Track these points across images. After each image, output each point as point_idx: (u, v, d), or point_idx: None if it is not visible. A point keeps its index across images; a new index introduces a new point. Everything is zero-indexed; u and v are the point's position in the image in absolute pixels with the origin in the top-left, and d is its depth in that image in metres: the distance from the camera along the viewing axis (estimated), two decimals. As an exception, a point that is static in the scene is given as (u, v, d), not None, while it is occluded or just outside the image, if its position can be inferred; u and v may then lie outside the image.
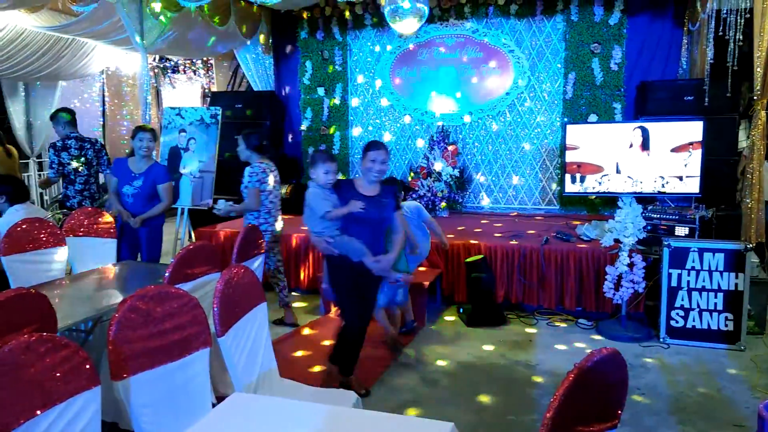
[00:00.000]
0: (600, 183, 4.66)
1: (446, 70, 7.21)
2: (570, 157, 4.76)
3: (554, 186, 6.90)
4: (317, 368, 3.95)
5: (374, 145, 3.39)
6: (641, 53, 6.49)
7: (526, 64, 6.90)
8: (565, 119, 6.67)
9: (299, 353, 4.27)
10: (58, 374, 1.67)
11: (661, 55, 6.48)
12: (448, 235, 5.32)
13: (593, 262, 4.82)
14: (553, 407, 1.50)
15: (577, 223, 5.84)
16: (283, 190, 7.32)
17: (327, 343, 4.44)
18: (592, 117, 6.56)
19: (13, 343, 1.60)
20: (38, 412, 1.61)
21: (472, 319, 4.83)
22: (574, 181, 4.73)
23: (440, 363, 4.08)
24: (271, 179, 4.46)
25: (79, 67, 7.98)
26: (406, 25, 5.24)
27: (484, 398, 3.55)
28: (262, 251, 3.94)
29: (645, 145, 4.55)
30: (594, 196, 6.34)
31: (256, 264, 3.80)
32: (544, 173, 6.95)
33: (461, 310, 5.02)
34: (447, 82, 7.23)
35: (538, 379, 3.81)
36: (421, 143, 7.40)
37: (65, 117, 5.17)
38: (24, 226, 3.69)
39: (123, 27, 5.87)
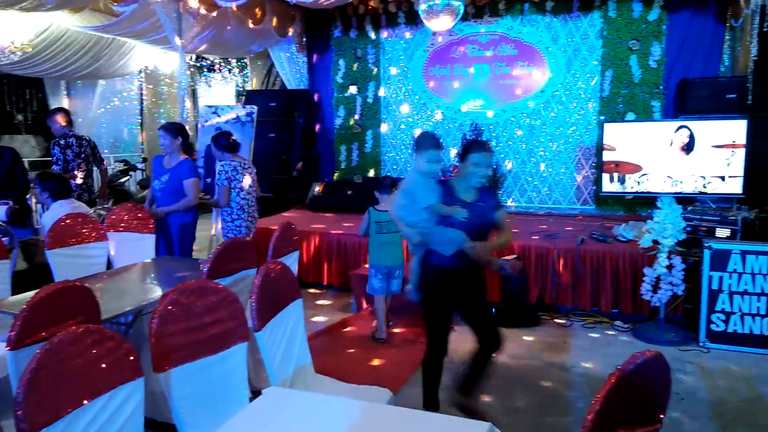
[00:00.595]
0: (639, 183, 4.57)
1: (480, 68, 7.16)
2: (607, 156, 4.68)
3: (590, 185, 6.79)
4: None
5: (477, 146, 2.94)
6: (681, 50, 6.33)
7: (561, 62, 6.80)
8: (602, 117, 6.55)
9: (334, 349, 4.29)
10: (103, 365, 1.72)
11: (702, 51, 6.31)
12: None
13: (630, 263, 4.72)
14: (595, 409, 1.48)
15: (614, 223, 5.73)
16: (317, 189, 7.37)
17: (365, 336, 4.48)
18: (630, 115, 6.42)
19: (62, 334, 1.65)
20: (85, 401, 1.66)
21: (504, 320, 4.77)
22: (612, 180, 4.65)
23: (473, 362, 4.05)
24: (247, 179, 4.66)
25: (119, 66, 8.19)
26: (441, 23, 5.22)
27: (518, 399, 3.51)
28: (297, 248, 3.98)
29: (688, 148, 4.43)
30: (631, 196, 6.21)
31: (291, 260, 3.84)
32: (580, 172, 6.84)
33: (493, 310, 4.97)
34: (480, 79, 7.17)
35: (573, 382, 3.76)
36: (453, 141, 7.36)
37: (62, 116, 5.45)
38: (68, 221, 3.80)
39: (162, 27, 6.00)
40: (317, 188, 7.40)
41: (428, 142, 3.06)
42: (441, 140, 3.15)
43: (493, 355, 3.06)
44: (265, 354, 2.37)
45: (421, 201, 2.97)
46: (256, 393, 2.24)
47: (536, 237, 5.30)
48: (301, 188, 7.61)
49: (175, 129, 4.67)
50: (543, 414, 3.33)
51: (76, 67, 7.66)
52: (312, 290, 5.80)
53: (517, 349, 4.29)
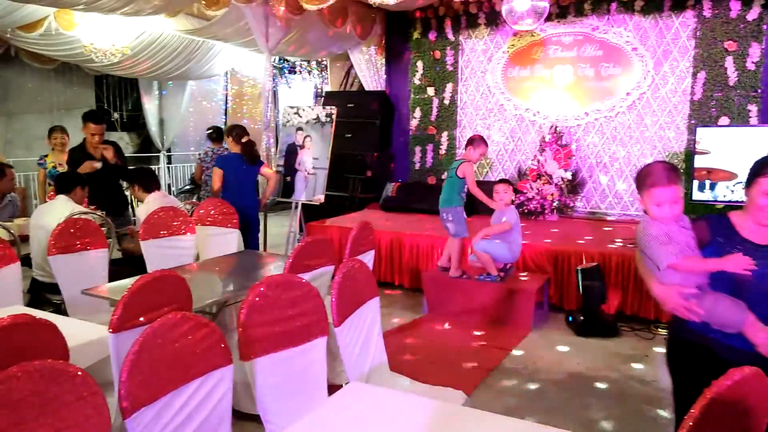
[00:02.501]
0: (732, 191, 4.32)
1: (562, 69, 6.98)
2: (700, 161, 4.45)
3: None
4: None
5: None
6: (784, 51, 5.93)
7: (650, 63, 6.52)
8: (693, 122, 6.23)
9: (406, 349, 4.31)
10: (198, 351, 1.82)
11: (807, 52, 5.88)
12: (558, 244, 5.22)
13: (720, 275, 4.46)
14: (687, 425, 1.42)
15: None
16: (391, 189, 7.44)
17: (437, 337, 4.48)
18: (723, 120, 6.07)
19: (162, 319, 1.76)
20: (180, 384, 1.76)
21: (582, 329, 4.64)
22: (702, 188, 4.42)
23: (548, 371, 3.97)
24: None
25: (207, 68, 8.57)
26: (525, 24, 5.14)
27: (594, 412, 3.41)
28: (373, 247, 4.03)
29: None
30: (722, 205, 5.86)
31: (367, 259, 3.90)
32: (666, 179, 6.52)
33: (570, 319, 4.85)
34: (562, 81, 7.00)
35: (654, 396, 3.60)
36: (531, 144, 7.23)
37: None
38: (160, 214, 4.02)
39: (250, 30, 6.23)
40: (391, 188, 7.47)
41: (651, 176, 2.08)
42: (677, 171, 2.12)
43: None
44: (344, 349, 2.42)
45: (658, 257, 2.05)
46: (331, 387, 2.30)
47: (619, 243, 5.12)
48: (375, 188, 7.70)
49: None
50: (620, 429, 3.22)
51: (169, 69, 8.08)
52: (383, 290, 5.86)
53: (593, 360, 4.16)
